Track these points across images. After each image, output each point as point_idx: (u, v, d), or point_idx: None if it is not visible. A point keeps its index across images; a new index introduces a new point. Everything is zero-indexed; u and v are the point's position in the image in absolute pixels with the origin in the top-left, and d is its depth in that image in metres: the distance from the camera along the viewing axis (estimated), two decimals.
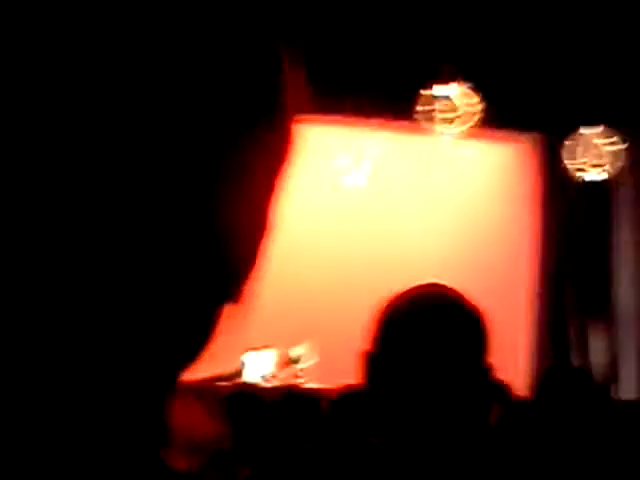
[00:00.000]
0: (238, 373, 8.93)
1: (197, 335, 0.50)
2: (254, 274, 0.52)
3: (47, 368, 0.45)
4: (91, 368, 0.46)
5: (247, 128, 0.49)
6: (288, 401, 4.41)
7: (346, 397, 3.94)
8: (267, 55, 0.51)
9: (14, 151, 0.43)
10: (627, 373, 10.68)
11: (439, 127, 9.82)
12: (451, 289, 1.54)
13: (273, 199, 0.52)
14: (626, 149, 10.42)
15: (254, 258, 0.51)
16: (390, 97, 10.26)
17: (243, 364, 8.99)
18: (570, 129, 10.50)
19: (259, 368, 9.06)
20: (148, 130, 0.45)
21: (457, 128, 9.83)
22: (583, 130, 10.36)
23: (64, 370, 0.45)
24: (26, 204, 0.43)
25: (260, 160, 0.50)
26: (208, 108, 0.47)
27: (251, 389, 4.68)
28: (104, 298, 0.45)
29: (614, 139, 10.26)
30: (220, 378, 8.39)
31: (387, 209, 10.99)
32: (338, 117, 10.47)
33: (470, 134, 10.00)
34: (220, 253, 0.49)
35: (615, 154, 10.29)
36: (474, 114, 9.77)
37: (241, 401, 4.12)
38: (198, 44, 0.47)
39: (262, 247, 0.52)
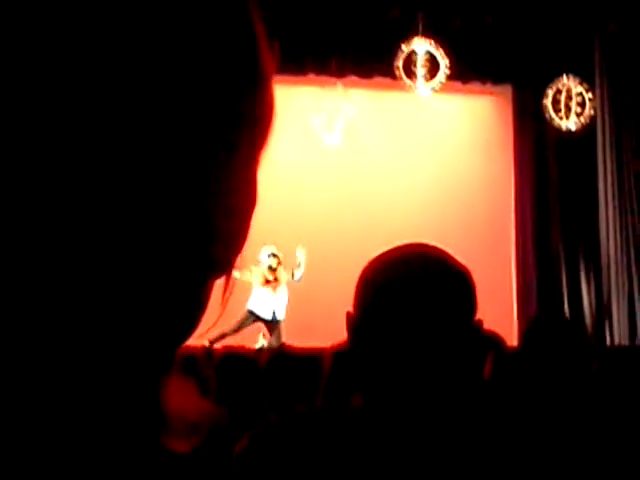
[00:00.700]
0: (244, 322, 9.30)
1: (190, 311, 0.50)
2: (243, 245, 0.52)
3: (40, 355, 0.44)
4: (85, 355, 0.45)
5: (232, 106, 0.48)
6: (281, 362, 4.42)
7: (342, 356, 3.93)
8: (243, 25, 0.49)
9: (8, 148, 0.42)
10: (618, 319, 10.75)
11: (418, 82, 9.81)
12: (435, 247, 1.52)
13: (258, 169, 0.52)
14: (601, 97, 10.45)
15: (245, 231, 0.51)
16: (363, 54, 10.24)
17: (249, 312, 9.34)
18: (539, 80, 10.52)
19: (266, 301, 9.46)
20: (135, 116, 0.44)
21: (434, 82, 9.82)
22: (564, 78, 10.36)
23: (58, 358, 0.44)
24: (20, 197, 0.43)
25: (247, 134, 0.50)
26: (191, 91, 0.46)
27: (242, 352, 4.68)
28: (95, 280, 0.44)
29: (589, 87, 10.29)
30: (224, 335, 8.70)
31: (364, 167, 10.99)
32: (310, 77, 10.45)
33: (443, 88, 10.00)
34: (212, 228, 0.49)
35: (593, 102, 10.30)
36: (446, 67, 9.77)
37: (233, 365, 4.12)
38: (174, 23, 0.46)
39: (250, 221, 0.52)
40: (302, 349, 5.31)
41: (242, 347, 5.43)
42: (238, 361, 4.19)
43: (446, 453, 1.42)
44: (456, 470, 1.41)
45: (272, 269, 9.70)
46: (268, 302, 9.71)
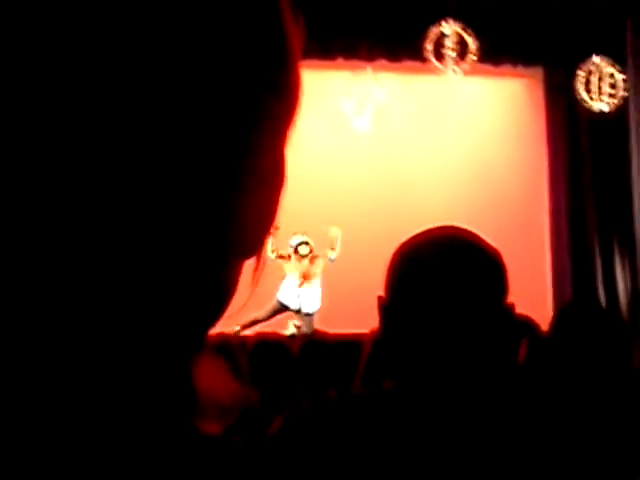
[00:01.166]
0: (276, 311, 9.33)
1: (218, 293, 0.49)
2: (270, 226, 0.51)
3: (66, 339, 0.43)
4: (114, 338, 0.45)
5: (255, 98, 0.48)
6: (314, 349, 4.42)
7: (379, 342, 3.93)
8: (270, 8, 0.48)
9: (17, 151, 0.42)
10: None
11: (448, 65, 9.75)
12: (465, 230, 1.51)
13: (286, 149, 0.51)
14: (634, 78, 10.34)
15: (272, 212, 0.51)
16: (392, 37, 10.19)
17: (279, 301, 9.36)
18: (571, 61, 10.43)
19: (293, 290, 9.48)
20: (156, 114, 0.44)
21: (465, 65, 9.76)
22: (596, 59, 10.27)
23: (90, 341, 0.44)
24: (32, 202, 0.42)
25: (270, 114, 0.49)
26: (217, 71, 0.45)
27: (275, 339, 4.69)
28: (123, 264, 0.44)
29: (621, 68, 10.19)
30: (255, 322, 8.74)
31: (395, 152, 10.97)
32: (339, 61, 10.43)
33: (474, 71, 9.94)
34: (238, 212, 0.48)
35: (625, 82, 10.21)
36: (476, 49, 9.71)
37: (266, 352, 4.13)
38: (197, 14, 0.45)
39: (279, 201, 0.51)
40: (335, 335, 5.31)
41: (275, 333, 5.44)
42: (271, 348, 4.20)
43: (477, 438, 1.41)
44: (487, 455, 1.40)
45: (302, 256, 9.69)
46: (299, 294, 9.69)
